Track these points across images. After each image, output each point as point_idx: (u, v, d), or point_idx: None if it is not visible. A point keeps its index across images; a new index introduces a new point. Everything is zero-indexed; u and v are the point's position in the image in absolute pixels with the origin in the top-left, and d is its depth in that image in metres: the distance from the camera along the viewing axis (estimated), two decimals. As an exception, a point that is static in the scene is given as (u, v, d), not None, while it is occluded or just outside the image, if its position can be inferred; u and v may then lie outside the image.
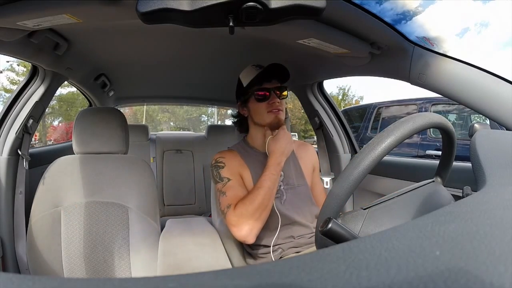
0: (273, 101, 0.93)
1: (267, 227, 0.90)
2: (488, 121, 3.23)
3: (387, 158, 1.24)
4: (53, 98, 1.31)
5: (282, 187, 0.95)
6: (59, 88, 1.31)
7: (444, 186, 0.61)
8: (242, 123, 1.04)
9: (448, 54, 0.77)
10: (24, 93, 1.10)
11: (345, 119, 1.52)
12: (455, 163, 0.62)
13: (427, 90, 0.83)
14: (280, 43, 0.95)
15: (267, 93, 0.93)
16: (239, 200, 0.85)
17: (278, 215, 0.91)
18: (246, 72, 0.98)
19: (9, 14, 0.63)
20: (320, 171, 1.44)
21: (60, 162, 1.04)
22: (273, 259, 0.89)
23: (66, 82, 1.34)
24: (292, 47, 0.99)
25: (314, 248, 0.89)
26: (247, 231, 0.80)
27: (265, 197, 0.82)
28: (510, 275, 0.17)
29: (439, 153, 0.66)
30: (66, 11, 0.63)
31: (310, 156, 1.07)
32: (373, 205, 0.51)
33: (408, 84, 0.87)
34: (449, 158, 0.60)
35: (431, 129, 2.71)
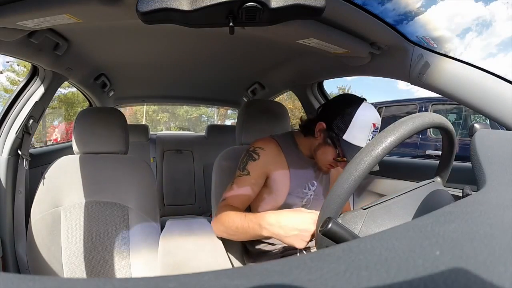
0: (342, 163, 0.84)
1: None
2: (488, 121, 3.23)
3: (387, 158, 1.24)
4: (54, 98, 1.31)
5: (311, 196, 0.92)
6: (60, 88, 1.31)
7: (444, 186, 0.61)
8: (309, 130, 0.90)
9: (449, 54, 0.77)
10: (24, 93, 1.10)
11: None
12: (455, 163, 0.62)
13: (427, 90, 0.83)
14: (280, 43, 0.95)
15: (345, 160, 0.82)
16: (236, 202, 0.84)
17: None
18: (360, 123, 0.78)
19: (9, 14, 0.63)
20: None
21: (60, 162, 1.04)
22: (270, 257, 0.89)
23: (66, 82, 1.34)
24: (292, 47, 0.99)
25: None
26: (218, 232, 0.84)
27: (238, 230, 0.76)
28: (510, 275, 0.17)
29: (439, 153, 0.65)
30: (66, 11, 0.63)
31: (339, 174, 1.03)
32: (373, 205, 0.51)
33: (409, 84, 0.88)
34: (449, 158, 0.60)
35: (431, 129, 2.71)
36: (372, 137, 0.80)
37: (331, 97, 1.53)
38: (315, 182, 0.93)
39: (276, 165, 0.89)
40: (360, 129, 0.78)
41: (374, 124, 0.80)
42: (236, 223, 0.76)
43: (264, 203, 0.92)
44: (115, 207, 1.01)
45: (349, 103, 0.81)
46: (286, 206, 0.89)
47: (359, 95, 0.86)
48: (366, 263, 0.19)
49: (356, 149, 0.78)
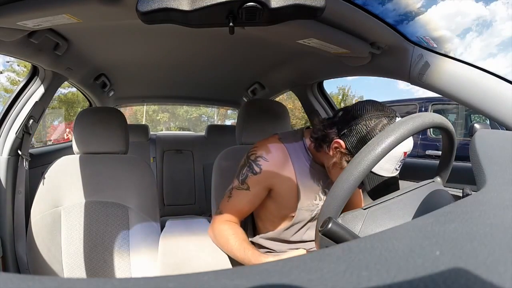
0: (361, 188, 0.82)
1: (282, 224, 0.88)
2: (488, 121, 3.24)
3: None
4: (54, 98, 1.31)
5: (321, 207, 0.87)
6: (60, 88, 1.31)
7: (444, 186, 0.61)
8: (321, 145, 0.76)
9: (449, 54, 0.77)
10: (24, 93, 1.10)
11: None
12: (455, 163, 0.62)
13: (427, 90, 0.83)
14: (280, 43, 0.95)
15: None
16: (232, 217, 0.82)
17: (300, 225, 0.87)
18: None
19: (9, 14, 0.63)
20: None
21: (60, 162, 1.04)
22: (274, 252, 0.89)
23: (66, 82, 1.34)
24: (292, 47, 0.99)
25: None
26: (212, 241, 0.84)
27: (234, 256, 0.78)
28: (510, 275, 0.17)
29: (439, 153, 0.65)
30: (66, 11, 0.63)
31: None
32: (373, 205, 0.51)
33: (409, 84, 0.88)
34: (449, 158, 0.60)
35: (431, 129, 2.72)
36: (400, 166, 0.69)
37: (331, 97, 1.54)
38: (327, 190, 0.85)
39: (281, 177, 0.80)
40: (388, 158, 0.59)
41: (405, 153, 0.65)
42: (234, 251, 0.76)
43: (271, 214, 0.88)
44: (115, 207, 1.01)
45: (375, 122, 0.66)
46: (294, 222, 0.85)
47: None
48: (366, 263, 0.19)
49: (379, 179, 0.68)
